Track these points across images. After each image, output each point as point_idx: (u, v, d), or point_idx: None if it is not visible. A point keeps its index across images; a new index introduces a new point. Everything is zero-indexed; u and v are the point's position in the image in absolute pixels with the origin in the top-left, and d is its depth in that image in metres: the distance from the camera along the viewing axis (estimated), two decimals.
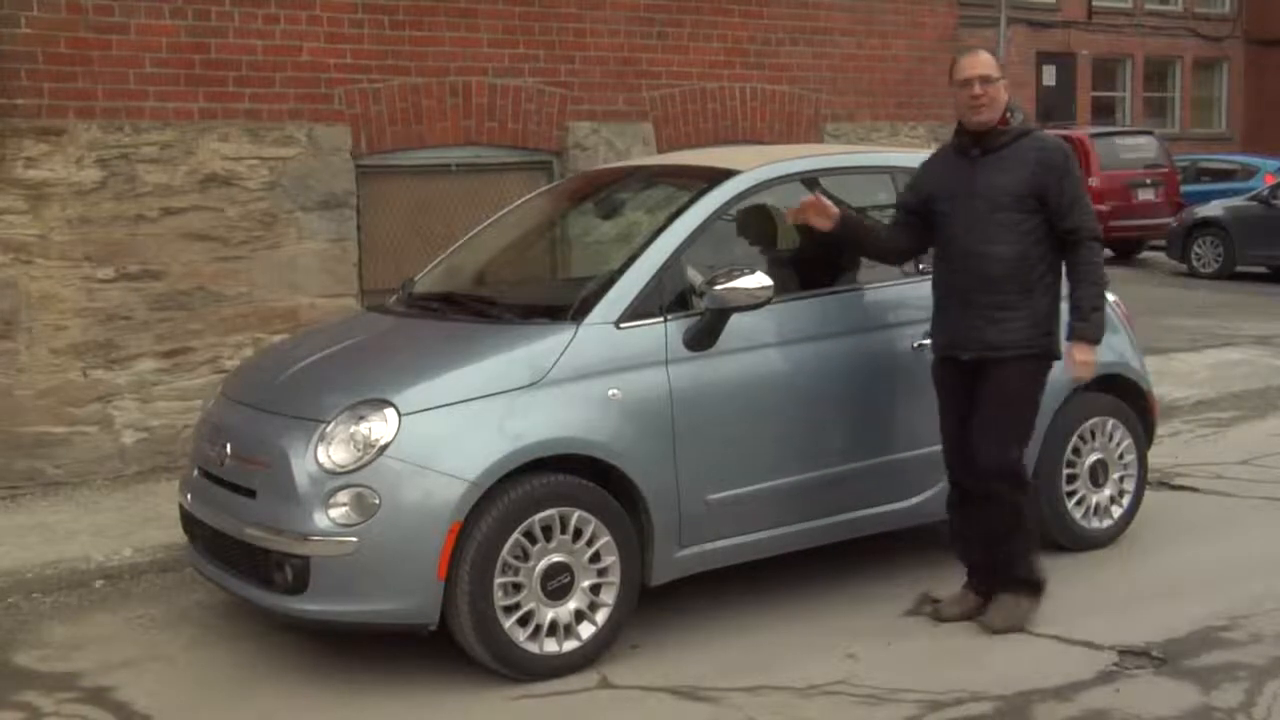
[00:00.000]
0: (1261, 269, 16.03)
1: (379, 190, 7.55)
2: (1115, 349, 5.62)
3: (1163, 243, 17.38)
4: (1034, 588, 4.76)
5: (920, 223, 4.82)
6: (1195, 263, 16.42)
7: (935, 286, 4.79)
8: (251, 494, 4.39)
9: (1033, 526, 4.80)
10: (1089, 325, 4.58)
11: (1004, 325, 4.56)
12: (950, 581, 4.99)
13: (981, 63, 4.63)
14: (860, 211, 5.09)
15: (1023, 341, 4.58)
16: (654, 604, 4.71)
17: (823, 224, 4.79)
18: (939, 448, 4.82)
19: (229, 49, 6.95)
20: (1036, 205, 4.56)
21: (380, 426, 4.21)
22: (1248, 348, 10.49)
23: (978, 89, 4.58)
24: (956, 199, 4.65)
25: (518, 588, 4.25)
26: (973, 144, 4.66)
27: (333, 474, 4.19)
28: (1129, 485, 5.65)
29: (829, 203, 4.79)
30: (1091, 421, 5.50)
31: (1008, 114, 4.65)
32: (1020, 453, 4.67)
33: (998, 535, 4.69)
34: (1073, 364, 4.65)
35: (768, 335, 4.77)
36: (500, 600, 4.21)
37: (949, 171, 4.74)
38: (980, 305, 4.58)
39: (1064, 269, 4.65)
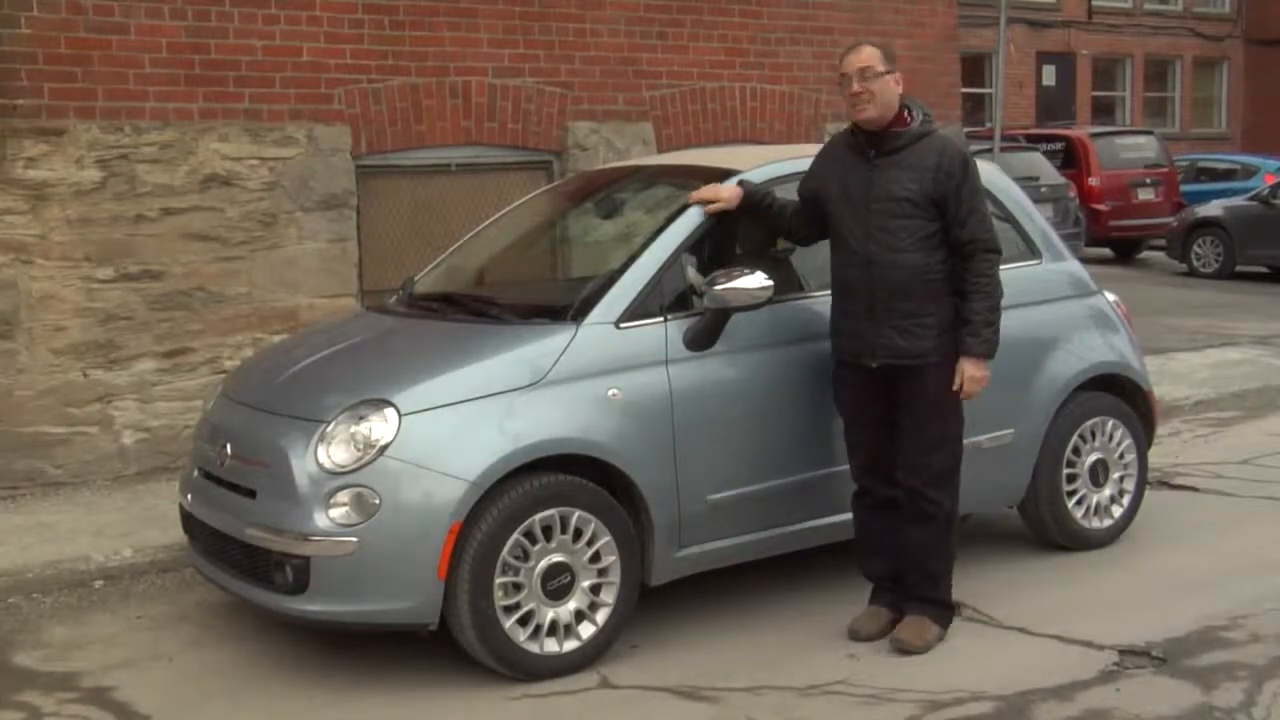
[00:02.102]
0: (1261, 269, 16.03)
1: (379, 190, 7.55)
2: (1115, 349, 5.63)
3: (1163, 243, 17.38)
4: (948, 611, 4.62)
5: (816, 215, 4.66)
6: (1195, 262, 16.41)
7: (834, 290, 4.61)
8: (251, 494, 4.39)
9: (955, 546, 4.65)
10: (980, 341, 4.37)
11: (914, 334, 4.40)
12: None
13: (862, 57, 4.39)
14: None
15: (934, 349, 4.41)
16: (654, 604, 4.71)
17: (724, 206, 4.75)
18: None
19: (229, 49, 6.95)
20: (937, 212, 4.38)
21: (380, 426, 4.21)
22: (1248, 347, 10.49)
23: (856, 85, 4.37)
24: (853, 203, 4.47)
25: (518, 588, 4.25)
26: (869, 144, 4.46)
27: (333, 474, 4.19)
28: (1129, 485, 5.65)
29: (721, 187, 4.76)
30: (1092, 421, 5.50)
31: (906, 112, 4.46)
32: (957, 462, 4.57)
33: (925, 550, 4.55)
34: (963, 380, 4.40)
35: (768, 335, 4.77)
36: (500, 600, 4.21)
37: (844, 172, 4.53)
38: (887, 314, 4.41)
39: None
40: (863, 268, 4.46)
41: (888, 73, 4.41)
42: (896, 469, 4.56)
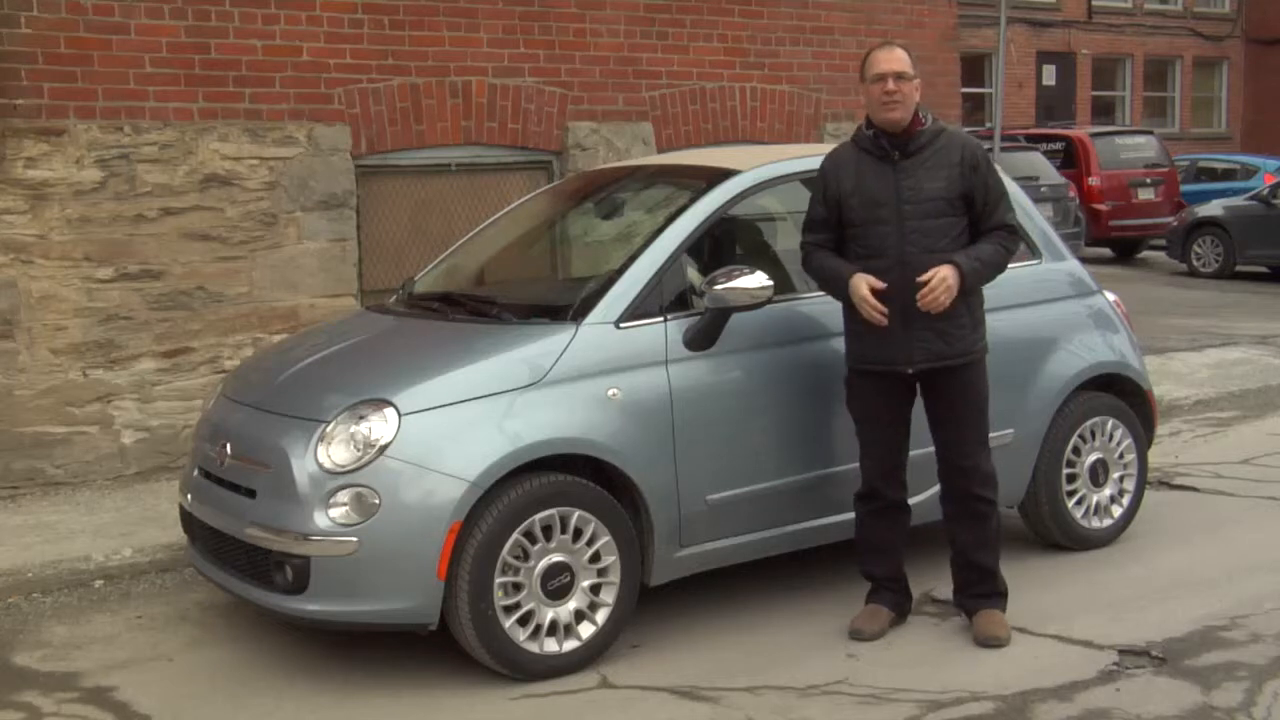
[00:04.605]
0: (1261, 269, 16.04)
1: (379, 190, 7.55)
2: (1115, 349, 5.63)
3: (1163, 242, 17.39)
4: (1005, 599, 4.68)
5: (840, 235, 4.56)
6: (1195, 262, 16.42)
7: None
8: (251, 494, 4.39)
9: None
10: (969, 259, 4.35)
11: (952, 335, 4.43)
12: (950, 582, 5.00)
13: (898, 58, 4.45)
14: None
15: (968, 348, 4.48)
16: (654, 604, 4.72)
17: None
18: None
19: (229, 49, 6.95)
20: (965, 207, 4.46)
21: (380, 426, 4.21)
22: (1248, 347, 10.49)
23: (891, 85, 4.40)
24: (883, 206, 4.43)
25: (518, 587, 4.25)
26: (893, 146, 4.46)
27: (333, 474, 4.19)
28: (1129, 485, 5.65)
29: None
30: (1091, 421, 5.50)
31: (920, 115, 4.50)
32: (990, 457, 4.65)
33: (980, 547, 4.61)
34: (934, 275, 4.29)
35: (768, 335, 4.77)
36: (500, 600, 4.21)
37: (859, 178, 4.49)
38: (924, 317, 4.37)
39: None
40: (897, 270, 4.41)
41: (915, 77, 4.48)
42: (930, 471, 4.62)
